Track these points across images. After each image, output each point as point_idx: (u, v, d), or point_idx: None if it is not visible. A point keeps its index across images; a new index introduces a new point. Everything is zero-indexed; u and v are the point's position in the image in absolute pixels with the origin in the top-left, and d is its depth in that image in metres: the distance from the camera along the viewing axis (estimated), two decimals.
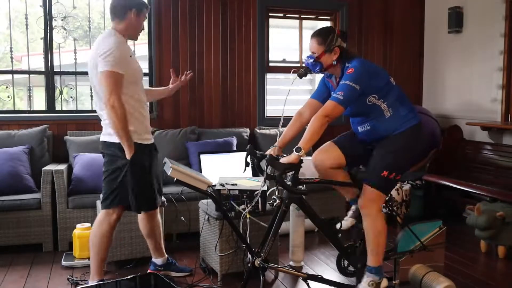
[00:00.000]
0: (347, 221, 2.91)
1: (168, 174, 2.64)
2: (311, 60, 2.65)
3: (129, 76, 2.77)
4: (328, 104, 2.56)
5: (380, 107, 2.65)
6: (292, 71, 2.91)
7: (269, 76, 5.19)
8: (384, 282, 2.73)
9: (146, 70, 4.68)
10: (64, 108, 4.55)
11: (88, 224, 3.56)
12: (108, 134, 2.85)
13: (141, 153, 2.83)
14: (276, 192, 2.76)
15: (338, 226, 2.79)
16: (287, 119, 2.80)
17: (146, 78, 4.71)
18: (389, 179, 2.63)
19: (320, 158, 2.76)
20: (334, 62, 2.65)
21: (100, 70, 2.70)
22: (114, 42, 2.73)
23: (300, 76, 2.73)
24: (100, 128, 2.93)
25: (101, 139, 2.93)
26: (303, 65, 2.81)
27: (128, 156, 2.77)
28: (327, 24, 5.39)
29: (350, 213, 2.94)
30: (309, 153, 2.67)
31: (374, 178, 2.65)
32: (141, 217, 3.09)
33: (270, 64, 5.18)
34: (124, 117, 2.70)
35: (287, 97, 2.62)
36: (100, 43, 2.77)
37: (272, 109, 5.18)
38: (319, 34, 2.65)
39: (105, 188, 2.91)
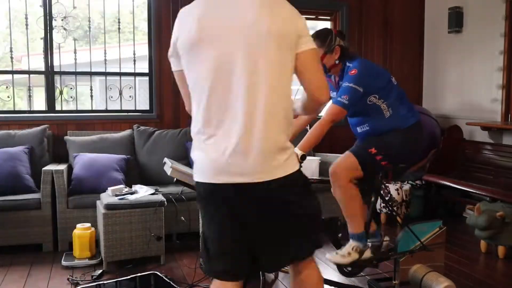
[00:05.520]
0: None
1: (168, 174, 2.64)
2: None
3: None
4: (333, 109, 2.55)
5: (380, 107, 2.65)
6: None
7: None
8: (368, 253, 2.73)
9: (146, 70, 4.65)
10: (64, 108, 4.54)
11: (88, 224, 3.56)
12: None
13: None
14: None
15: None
16: None
17: (146, 78, 4.71)
18: (374, 159, 2.62)
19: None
20: (337, 61, 2.65)
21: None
22: None
23: None
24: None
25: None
26: None
27: None
28: (327, 24, 5.39)
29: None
30: (309, 153, 2.66)
31: (358, 148, 2.67)
32: None
33: None
34: None
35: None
36: None
37: None
38: (318, 37, 2.64)
39: None
